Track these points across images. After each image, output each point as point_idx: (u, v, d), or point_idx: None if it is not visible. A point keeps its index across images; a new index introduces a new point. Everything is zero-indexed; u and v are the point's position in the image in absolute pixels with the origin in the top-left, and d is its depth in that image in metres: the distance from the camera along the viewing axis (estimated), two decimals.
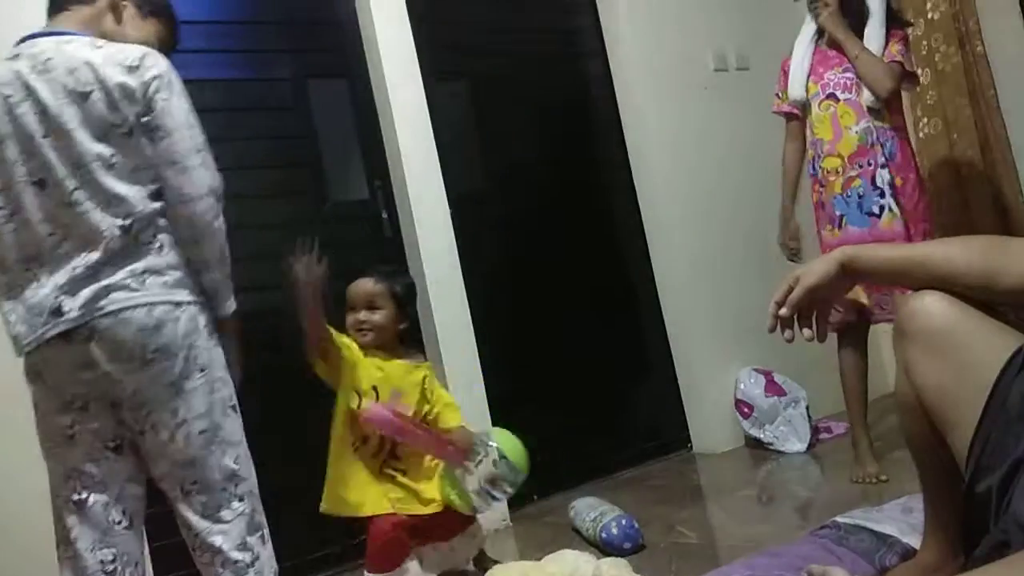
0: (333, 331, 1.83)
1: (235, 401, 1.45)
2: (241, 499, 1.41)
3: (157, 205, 1.39)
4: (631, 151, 3.13)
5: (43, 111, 1.35)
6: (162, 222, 1.40)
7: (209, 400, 1.39)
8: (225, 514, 1.39)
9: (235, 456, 1.41)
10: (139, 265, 1.35)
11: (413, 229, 2.55)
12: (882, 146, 2.32)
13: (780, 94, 2.53)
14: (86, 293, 1.32)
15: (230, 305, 1.47)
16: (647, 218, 3.12)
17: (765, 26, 3.15)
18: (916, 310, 1.09)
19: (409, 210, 2.56)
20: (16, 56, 1.40)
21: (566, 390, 2.87)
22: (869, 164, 2.31)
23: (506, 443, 1.90)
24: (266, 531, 1.45)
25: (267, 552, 1.43)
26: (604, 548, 2.06)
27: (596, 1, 3.15)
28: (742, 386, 2.96)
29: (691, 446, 3.09)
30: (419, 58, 2.62)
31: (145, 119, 1.36)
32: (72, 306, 1.32)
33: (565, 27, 3.16)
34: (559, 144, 3.05)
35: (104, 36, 1.46)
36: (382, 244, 2.58)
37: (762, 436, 2.89)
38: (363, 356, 1.89)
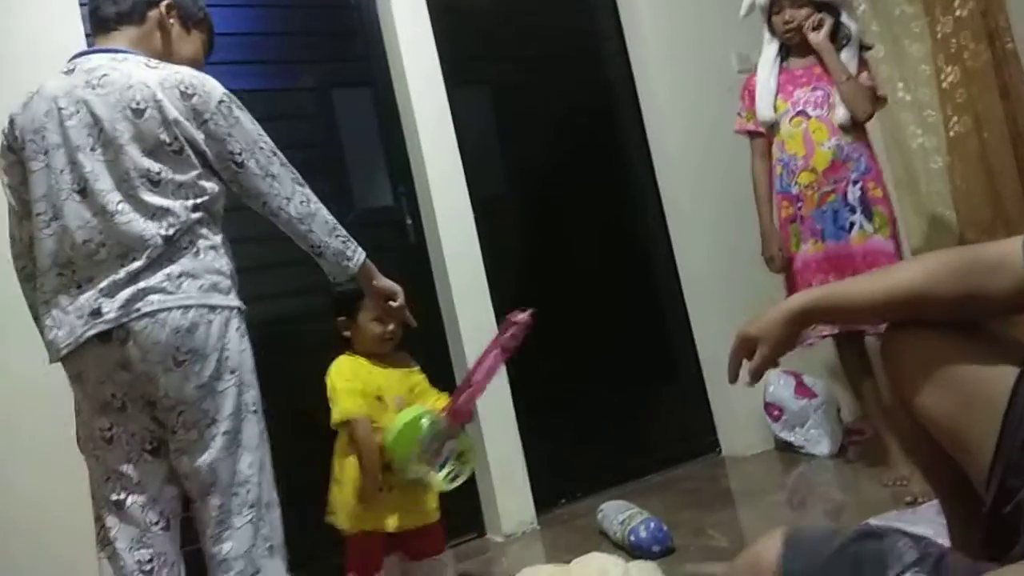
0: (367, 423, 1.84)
1: (258, 406, 1.47)
2: (252, 506, 1.41)
3: (198, 215, 1.43)
4: (654, 153, 3.12)
5: (95, 123, 1.40)
6: (201, 228, 1.44)
7: (237, 402, 1.42)
8: (235, 520, 1.40)
9: (249, 461, 1.42)
10: (175, 268, 1.39)
11: (437, 235, 2.57)
12: (855, 161, 2.35)
13: (743, 113, 2.55)
14: (124, 295, 1.36)
15: (355, 262, 1.53)
16: (671, 219, 3.11)
17: None
18: (903, 343, 1.04)
19: (433, 216, 2.57)
20: (71, 71, 1.45)
21: (593, 394, 2.87)
22: (842, 180, 2.34)
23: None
24: (277, 543, 1.44)
25: (273, 565, 1.42)
26: (633, 551, 2.05)
27: (617, 4, 3.15)
28: (771, 388, 2.93)
29: (720, 449, 3.06)
30: (441, 65, 2.65)
31: (217, 148, 1.43)
32: (110, 307, 1.36)
33: (586, 31, 3.16)
34: (582, 148, 3.05)
35: (155, 54, 1.52)
36: (407, 250, 2.60)
37: (792, 439, 2.86)
38: (369, 367, 1.91)
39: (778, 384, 2.92)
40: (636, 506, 2.25)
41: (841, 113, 2.33)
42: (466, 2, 2.91)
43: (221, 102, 1.45)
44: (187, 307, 1.38)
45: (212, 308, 1.40)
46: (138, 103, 1.39)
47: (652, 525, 2.08)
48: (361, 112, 2.65)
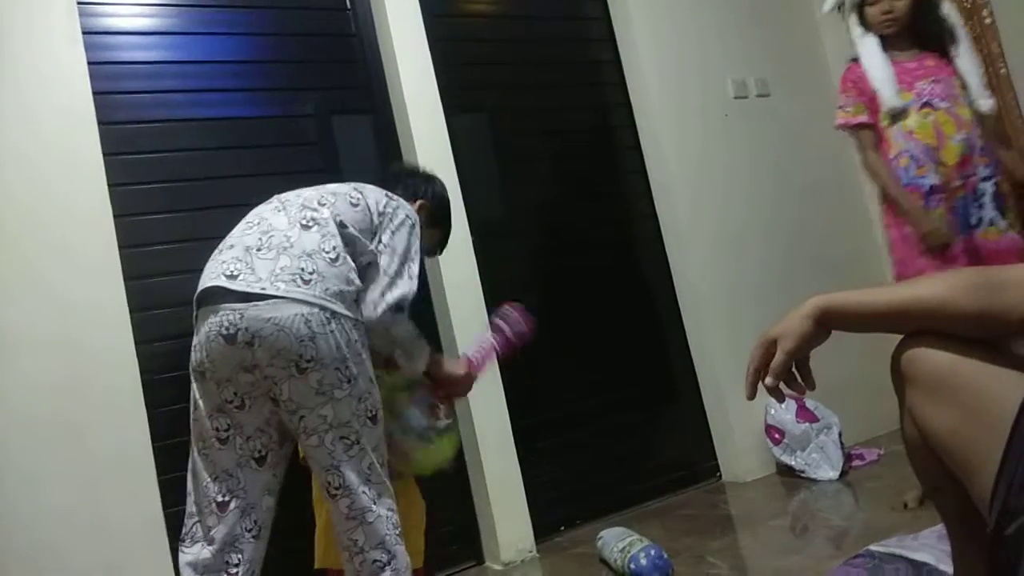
0: None
1: (375, 412, 1.55)
2: (377, 499, 1.51)
3: None
4: (652, 179, 3.14)
5: None
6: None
7: (353, 409, 1.50)
8: (366, 515, 1.50)
9: (370, 463, 1.52)
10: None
11: (437, 262, 2.57)
12: (987, 157, 2.29)
13: (849, 107, 2.42)
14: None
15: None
16: (669, 244, 3.12)
17: (784, 52, 3.17)
18: (915, 355, 1.04)
19: None
20: None
21: (592, 420, 2.86)
22: (971, 175, 2.28)
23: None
24: (400, 530, 1.55)
25: (402, 550, 1.54)
26: None
27: (614, 31, 3.19)
28: (772, 411, 2.92)
29: (720, 475, 3.05)
30: (440, 92, 2.67)
31: None
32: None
33: (583, 58, 3.19)
34: (580, 174, 3.07)
35: None
36: None
37: (793, 463, 2.85)
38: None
39: (779, 407, 2.91)
40: (636, 533, 2.23)
41: (985, 103, 2.28)
42: (465, 30, 2.95)
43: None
44: (310, 308, 1.47)
45: (334, 315, 1.49)
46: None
47: (652, 552, 2.07)
48: (361, 139, 2.67)
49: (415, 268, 1.64)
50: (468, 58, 2.89)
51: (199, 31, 2.46)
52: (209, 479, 1.50)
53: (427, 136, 2.62)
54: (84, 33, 2.20)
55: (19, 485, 1.90)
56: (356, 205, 1.64)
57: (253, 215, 1.65)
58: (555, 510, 2.70)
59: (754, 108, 3.25)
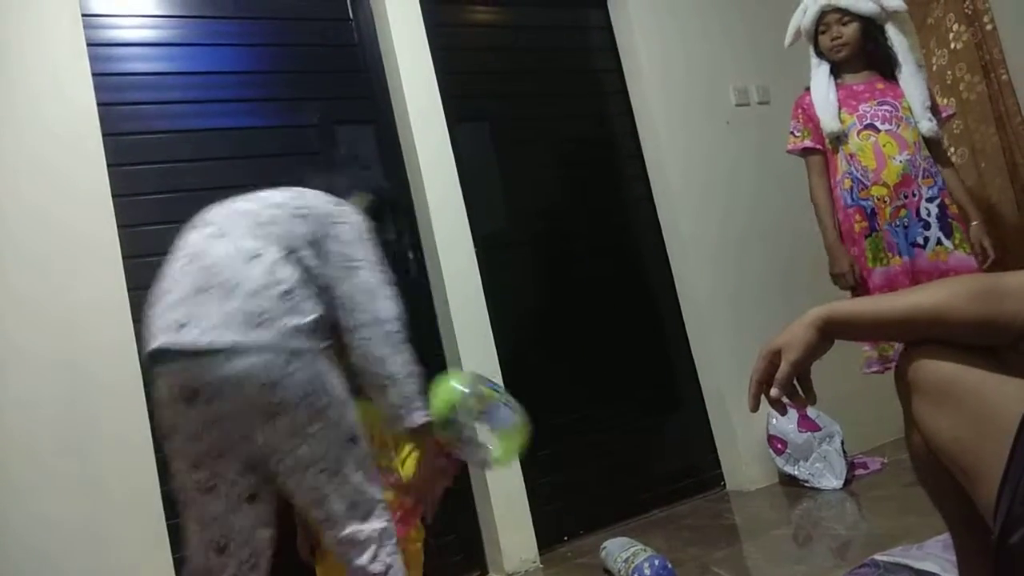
0: None
1: (354, 432, 1.50)
2: (365, 519, 1.48)
3: None
4: (654, 187, 3.15)
5: None
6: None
7: (328, 440, 1.46)
8: (357, 536, 1.47)
9: (353, 486, 1.48)
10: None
11: (439, 270, 2.58)
12: (933, 177, 2.35)
13: (797, 132, 2.55)
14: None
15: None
16: (672, 253, 3.12)
17: (785, 60, 3.17)
18: (919, 362, 1.04)
19: (435, 251, 2.58)
20: None
21: (595, 429, 2.85)
22: (914, 195, 2.34)
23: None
24: (395, 541, 1.52)
25: (398, 561, 1.51)
26: None
27: (616, 40, 3.20)
28: (774, 421, 2.91)
29: (724, 484, 3.04)
30: (442, 102, 2.68)
31: None
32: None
33: (585, 67, 3.20)
34: (582, 182, 3.07)
35: None
36: (408, 285, 2.60)
37: (797, 473, 2.84)
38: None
39: (781, 417, 2.90)
40: (640, 543, 2.22)
41: (926, 124, 2.35)
42: (467, 40, 2.96)
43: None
44: (267, 356, 1.42)
45: (293, 353, 1.43)
46: None
47: (656, 563, 2.06)
48: (364, 148, 2.68)
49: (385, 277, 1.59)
50: (470, 68, 2.90)
51: (203, 42, 2.47)
52: (202, 527, 1.47)
53: (429, 145, 2.63)
54: (89, 45, 2.20)
55: (12, 495, 1.89)
56: (304, 216, 1.56)
57: (190, 247, 1.53)
58: (559, 520, 2.69)
59: (756, 115, 3.26)
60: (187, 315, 1.42)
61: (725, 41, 3.28)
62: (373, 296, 1.54)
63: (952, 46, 3.14)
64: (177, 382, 1.41)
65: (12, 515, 1.88)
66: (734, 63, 3.28)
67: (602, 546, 2.31)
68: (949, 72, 3.15)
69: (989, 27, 3.06)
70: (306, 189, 1.67)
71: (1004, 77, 3.08)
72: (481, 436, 1.77)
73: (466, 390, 1.75)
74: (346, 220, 1.61)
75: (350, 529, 1.47)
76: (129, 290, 2.10)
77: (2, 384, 1.93)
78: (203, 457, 1.44)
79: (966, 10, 3.08)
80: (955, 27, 3.12)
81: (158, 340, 1.44)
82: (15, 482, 1.89)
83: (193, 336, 1.39)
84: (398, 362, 1.53)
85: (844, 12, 2.45)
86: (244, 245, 1.48)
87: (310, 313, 1.47)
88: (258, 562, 1.52)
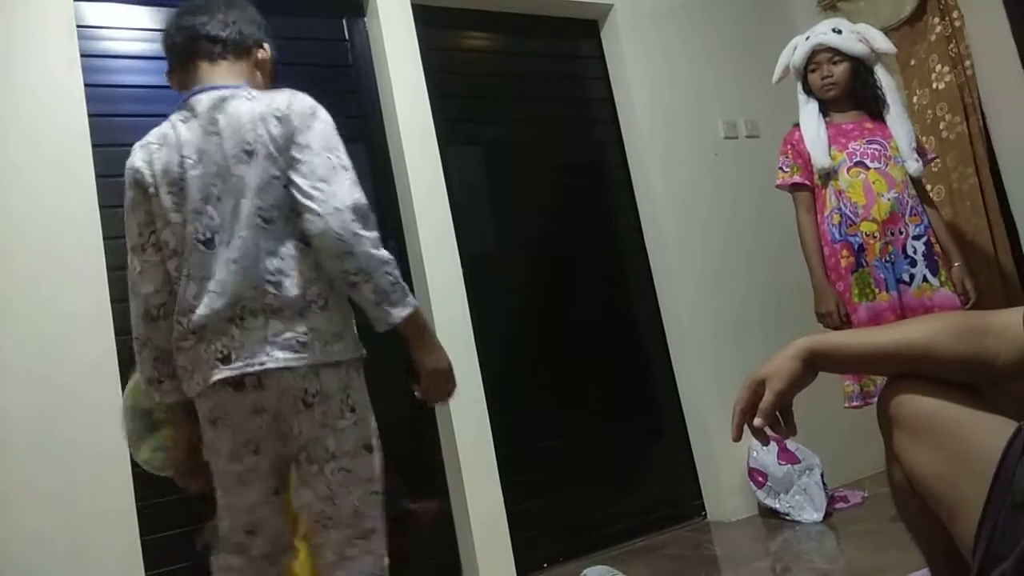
0: None
1: (371, 440, 1.48)
2: (362, 537, 1.46)
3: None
4: (642, 215, 3.17)
5: (219, 172, 1.45)
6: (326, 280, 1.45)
7: (354, 438, 1.45)
8: (349, 551, 1.45)
9: (359, 495, 1.46)
10: (302, 327, 1.41)
11: (427, 292, 2.57)
12: (920, 216, 2.40)
13: (786, 168, 2.58)
14: (253, 347, 1.40)
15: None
16: (659, 282, 3.14)
17: (773, 96, 3.22)
18: (902, 396, 1.04)
19: (423, 272, 2.58)
20: (187, 118, 1.53)
21: (578, 456, 2.84)
22: (900, 232, 2.38)
23: None
24: (387, 564, 1.48)
25: None
26: None
27: (608, 69, 3.24)
28: (755, 454, 2.92)
29: (705, 514, 3.03)
30: (435, 124, 2.70)
31: (290, 152, 1.47)
32: (239, 356, 1.40)
33: (577, 95, 3.24)
34: (572, 208, 3.09)
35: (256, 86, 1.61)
36: None
37: (777, 506, 2.84)
38: None
39: (761, 449, 2.91)
40: (620, 571, 2.21)
41: (913, 164, 2.41)
42: (461, 64, 2.99)
43: (303, 110, 1.59)
44: (314, 365, 1.41)
45: (336, 364, 1.44)
46: (251, 144, 1.47)
47: None
48: (355, 167, 2.67)
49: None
50: (463, 91, 2.92)
51: None
52: (235, 513, 1.48)
53: (420, 167, 2.64)
54: (82, 56, 2.21)
55: None
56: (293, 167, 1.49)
57: (201, 263, 1.43)
58: (539, 547, 2.67)
59: (743, 148, 3.30)
60: (226, 347, 1.43)
61: (716, 74, 3.33)
62: (328, 181, 1.48)
63: (934, 86, 3.20)
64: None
65: None
66: (724, 96, 3.33)
67: (582, 574, 2.30)
68: (930, 111, 3.20)
69: (970, 72, 3.12)
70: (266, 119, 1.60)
71: (980, 123, 3.13)
72: None
73: None
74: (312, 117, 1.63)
75: (347, 538, 1.45)
76: (113, 302, 2.08)
77: None
78: (240, 450, 1.45)
79: (951, 52, 3.15)
80: (938, 68, 3.18)
81: (206, 374, 1.45)
82: None
83: (240, 367, 1.41)
84: (366, 252, 1.42)
85: (835, 52, 2.50)
86: (267, 267, 1.47)
87: (351, 316, 1.50)
88: (285, 539, 1.53)
